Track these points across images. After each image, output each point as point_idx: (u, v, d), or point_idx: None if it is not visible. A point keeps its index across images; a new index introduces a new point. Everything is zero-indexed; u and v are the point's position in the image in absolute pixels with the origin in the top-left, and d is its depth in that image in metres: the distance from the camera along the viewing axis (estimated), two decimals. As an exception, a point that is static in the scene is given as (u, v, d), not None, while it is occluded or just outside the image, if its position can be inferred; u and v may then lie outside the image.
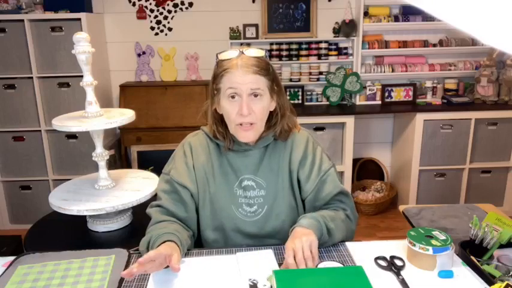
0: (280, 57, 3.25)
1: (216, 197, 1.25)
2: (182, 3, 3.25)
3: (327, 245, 1.18)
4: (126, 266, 1.11)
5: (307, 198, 1.27)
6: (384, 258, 1.11)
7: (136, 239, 1.20)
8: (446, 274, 1.03)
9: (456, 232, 1.37)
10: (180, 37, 3.30)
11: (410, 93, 3.31)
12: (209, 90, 1.26)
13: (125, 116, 1.69)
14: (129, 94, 3.12)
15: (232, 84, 1.15)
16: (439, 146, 3.08)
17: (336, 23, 3.26)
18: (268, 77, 1.19)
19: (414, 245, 1.06)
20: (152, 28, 3.29)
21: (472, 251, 1.11)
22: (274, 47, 3.24)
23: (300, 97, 3.34)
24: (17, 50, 2.92)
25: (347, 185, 3.15)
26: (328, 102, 3.32)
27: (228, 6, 3.25)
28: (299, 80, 3.32)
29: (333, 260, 1.11)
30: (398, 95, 3.32)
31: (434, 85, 3.32)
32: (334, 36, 3.27)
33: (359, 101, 3.33)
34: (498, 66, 3.18)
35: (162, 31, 3.30)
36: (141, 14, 3.25)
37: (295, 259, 1.03)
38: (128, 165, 3.07)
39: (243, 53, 1.17)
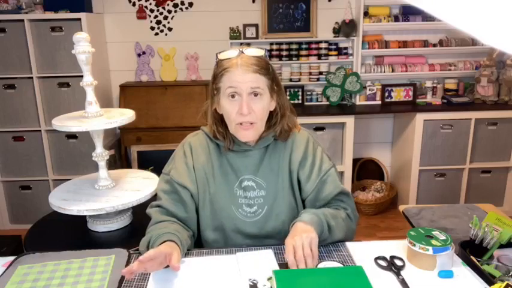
0: (280, 57, 3.25)
1: (216, 197, 1.25)
2: (182, 3, 3.25)
3: (327, 242, 1.18)
4: (126, 266, 1.10)
5: (307, 199, 1.27)
6: (383, 258, 1.11)
7: (137, 239, 1.21)
8: (446, 274, 1.03)
9: (456, 232, 1.37)
10: (180, 37, 3.31)
11: (410, 93, 3.31)
12: (209, 90, 1.26)
13: (124, 116, 1.69)
14: (129, 94, 3.13)
15: (232, 83, 1.15)
16: (439, 146, 3.08)
17: (336, 23, 3.26)
18: (268, 76, 1.19)
19: (414, 245, 1.06)
20: (152, 28, 3.29)
21: (472, 251, 1.11)
22: (274, 47, 3.24)
23: (300, 97, 3.34)
24: (17, 50, 2.92)
25: (347, 185, 3.15)
26: (328, 102, 3.32)
27: (228, 6, 3.25)
28: (299, 80, 3.32)
29: (333, 260, 1.11)
30: (398, 95, 3.32)
31: (434, 85, 3.32)
32: (334, 36, 3.27)
33: (359, 101, 3.33)
34: (498, 66, 3.18)
35: (162, 31, 3.30)
36: (141, 14, 3.25)
37: (295, 257, 1.04)
38: (128, 165, 3.07)
39: (242, 52, 1.17)
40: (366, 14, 3.18)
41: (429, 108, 3.13)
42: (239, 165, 1.26)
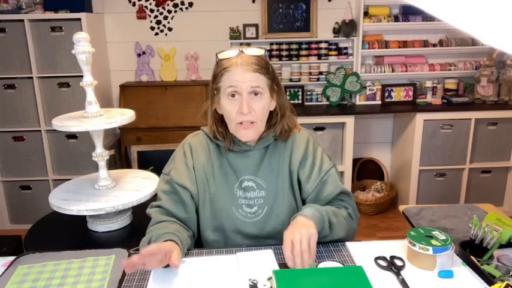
0: (280, 57, 3.25)
1: (216, 198, 1.25)
2: (182, 3, 3.25)
3: (327, 239, 1.17)
4: (126, 266, 1.11)
5: (307, 199, 1.26)
6: (383, 258, 1.11)
7: (137, 239, 1.21)
8: (446, 274, 1.03)
9: (456, 232, 1.37)
10: (180, 37, 3.31)
11: (410, 93, 3.31)
12: (209, 90, 1.26)
13: (125, 116, 1.69)
14: (129, 94, 3.13)
15: (232, 83, 1.15)
16: (439, 146, 3.08)
17: (336, 23, 3.26)
18: (268, 76, 1.19)
19: (414, 245, 1.06)
20: (152, 28, 3.29)
21: (472, 251, 1.11)
22: (274, 47, 3.24)
23: (300, 97, 3.34)
24: (17, 50, 2.92)
25: (347, 185, 3.15)
26: (328, 102, 3.32)
27: (228, 6, 3.25)
28: (299, 80, 3.32)
29: (333, 260, 1.11)
30: (398, 95, 3.32)
31: (434, 85, 3.32)
32: (334, 36, 3.27)
33: (359, 101, 3.33)
34: (498, 66, 3.17)
35: (162, 31, 3.30)
36: (141, 14, 3.25)
37: (292, 251, 1.03)
38: (128, 165, 3.07)
39: (242, 52, 1.17)
40: (366, 14, 3.18)
41: (429, 108, 3.13)
42: (239, 166, 1.26)
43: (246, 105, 1.14)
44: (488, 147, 3.12)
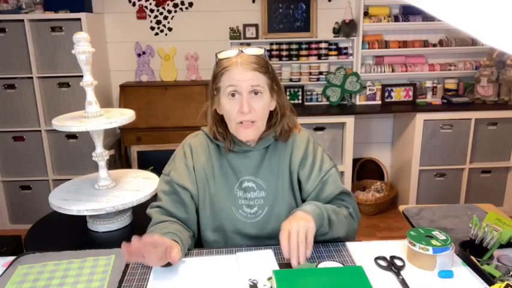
0: (280, 57, 3.25)
1: (216, 198, 1.25)
2: (182, 3, 3.25)
3: (327, 237, 1.17)
4: (126, 266, 1.11)
5: (308, 199, 1.26)
6: (383, 258, 1.11)
7: (137, 239, 1.20)
8: (446, 274, 1.03)
9: (456, 232, 1.37)
10: (180, 37, 3.31)
11: (410, 93, 3.31)
12: (209, 90, 1.26)
13: (125, 116, 1.69)
14: (129, 94, 3.13)
15: (232, 82, 1.15)
16: (439, 146, 3.08)
17: (336, 23, 3.26)
18: (267, 75, 1.19)
19: (414, 245, 1.06)
20: (152, 28, 3.29)
21: (472, 251, 1.11)
22: (274, 47, 3.24)
23: (300, 97, 3.34)
24: (17, 50, 2.92)
25: (347, 185, 3.15)
26: (328, 102, 3.32)
27: (228, 6, 3.26)
28: (299, 80, 3.32)
29: (333, 260, 1.11)
30: (398, 95, 3.32)
31: (434, 85, 3.32)
32: (334, 36, 3.27)
33: (359, 101, 3.33)
34: (498, 66, 3.18)
35: (162, 31, 3.30)
36: (141, 14, 3.25)
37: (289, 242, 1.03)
38: (128, 165, 3.07)
39: (242, 51, 1.18)
40: (366, 14, 3.18)
41: (429, 108, 3.13)
42: (239, 166, 1.26)
43: (247, 104, 1.14)
44: (488, 147, 3.12)
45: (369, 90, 3.33)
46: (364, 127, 3.49)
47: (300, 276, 0.98)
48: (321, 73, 3.30)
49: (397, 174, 3.46)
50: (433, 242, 1.06)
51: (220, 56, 1.19)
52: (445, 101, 3.24)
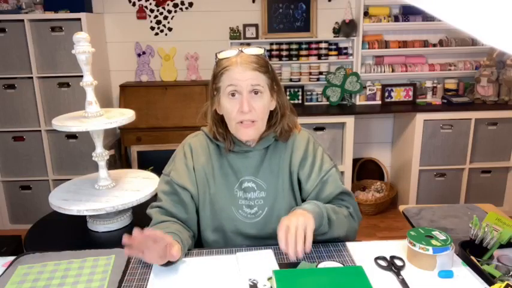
0: (280, 57, 3.25)
1: (216, 198, 1.25)
2: (182, 3, 3.25)
3: (326, 237, 1.16)
4: (126, 266, 1.11)
5: (307, 199, 1.26)
6: (383, 258, 1.11)
7: (136, 239, 1.20)
8: (446, 274, 1.03)
9: (456, 232, 1.37)
10: (180, 37, 3.31)
11: (410, 93, 3.31)
12: (209, 91, 1.26)
13: (125, 116, 1.69)
14: (129, 94, 3.13)
15: (232, 81, 1.15)
16: (439, 146, 3.08)
17: (336, 23, 3.26)
18: (267, 75, 1.19)
19: (414, 245, 1.06)
20: (152, 28, 3.29)
21: (472, 251, 1.11)
22: (274, 47, 3.24)
23: (300, 97, 3.34)
24: (17, 50, 2.92)
25: (347, 185, 3.15)
26: (328, 102, 3.32)
27: (228, 6, 3.26)
28: (299, 80, 3.32)
29: (333, 260, 1.11)
30: (398, 95, 3.32)
31: (434, 85, 3.32)
32: (334, 36, 3.27)
33: (359, 101, 3.33)
34: (498, 66, 3.17)
35: (162, 31, 3.30)
36: (141, 14, 3.25)
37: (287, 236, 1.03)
38: (128, 165, 3.07)
39: (242, 51, 1.18)
40: (366, 14, 3.18)
41: (429, 108, 3.13)
42: (239, 166, 1.26)
43: (247, 103, 1.14)
44: (488, 147, 3.12)
45: (369, 90, 3.33)
46: (364, 127, 3.49)
47: (300, 276, 0.98)
48: (321, 73, 3.30)
49: (397, 174, 3.46)
50: (433, 242, 1.06)
51: (220, 56, 1.19)
52: (445, 101, 3.24)
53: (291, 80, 3.32)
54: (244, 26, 3.22)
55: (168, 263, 1.06)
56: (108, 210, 1.60)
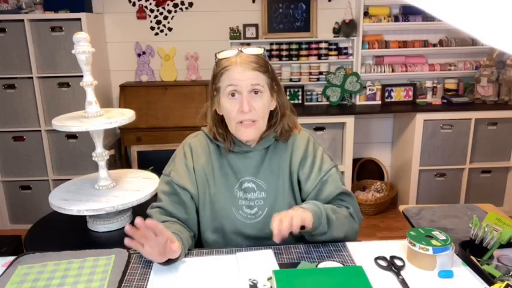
0: (280, 57, 3.25)
1: (216, 199, 1.25)
2: (182, 3, 3.25)
3: (326, 237, 1.16)
4: (126, 266, 1.11)
5: (307, 199, 1.26)
6: (384, 258, 1.11)
7: (136, 239, 1.20)
8: (446, 274, 1.03)
9: (456, 232, 1.37)
10: (180, 37, 3.31)
11: (410, 93, 3.31)
12: (209, 91, 1.26)
13: (125, 116, 1.69)
14: (129, 94, 3.13)
15: (231, 81, 1.15)
16: (439, 146, 3.08)
17: (336, 23, 3.26)
18: (267, 75, 1.19)
19: (414, 245, 1.06)
20: (152, 28, 3.29)
21: (472, 251, 1.11)
22: (274, 47, 3.24)
23: (300, 97, 3.34)
24: (17, 50, 2.92)
25: (347, 185, 3.15)
26: (328, 102, 3.32)
27: (228, 6, 3.26)
28: (299, 80, 3.32)
29: (333, 260, 1.11)
30: (398, 95, 3.32)
31: (434, 85, 3.32)
32: (334, 36, 3.27)
33: (359, 101, 3.33)
34: (498, 66, 3.18)
35: (162, 31, 3.30)
36: (141, 14, 3.25)
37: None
38: (128, 165, 3.07)
39: (241, 51, 1.18)
40: (366, 14, 3.18)
41: (429, 108, 3.13)
42: (239, 167, 1.25)
43: (247, 103, 1.14)
44: (488, 147, 3.12)
45: (369, 90, 3.33)
46: (364, 127, 3.49)
47: (300, 276, 0.98)
48: (321, 73, 3.30)
49: (397, 174, 3.46)
50: (433, 242, 1.06)
51: (220, 56, 1.19)
52: (445, 101, 3.24)
53: (291, 80, 3.32)
54: (244, 26, 3.22)
55: (169, 262, 1.06)
56: (108, 210, 1.60)
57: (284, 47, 3.24)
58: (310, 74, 3.31)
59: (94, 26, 3.04)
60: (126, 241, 0.98)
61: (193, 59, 3.31)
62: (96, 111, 1.70)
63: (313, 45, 3.24)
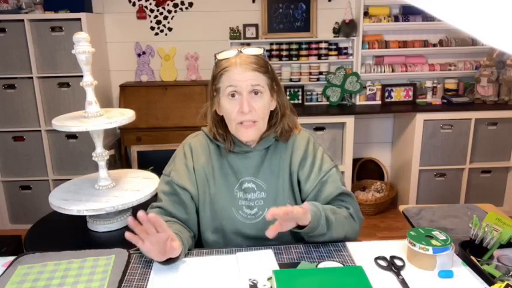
0: (280, 57, 3.25)
1: (216, 199, 1.25)
2: (182, 3, 3.25)
3: (326, 238, 1.16)
4: (126, 266, 1.11)
5: (307, 199, 1.26)
6: (383, 258, 1.11)
7: (137, 239, 1.20)
8: (446, 274, 1.03)
9: (456, 232, 1.37)
10: (180, 37, 3.31)
11: (410, 93, 3.31)
12: (208, 91, 1.26)
13: (125, 116, 1.69)
14: (129, 94, 3.13)
15: (231, 82, 1.15)
16: (439, 146, 3.08)
17: (336, 23, 3.26)
18: (267, 75, 1.18)
19: (414, 245, 1.06)
20: (152, 28, 3.29)
21: (472, 251, 1.11)
22: (274, 47, 3.24)
23: (300, 97, 3.34)
24: (17, 50, 2.92)
25: (347, 185, 3.14)
26: (328, 102, 3.32)
27: (228, 6, 3.26)
28: (299, 80, 3.32)
29: (333, 260, 1.11)
30: (398, 95, 3.32)
31: (434, 85, 3.32)
32: (334, 36, 3.27)
33: (359, 101, 3.33)
34: (498, 66, 3.18)
35: (162, 31, 3.30)
36: (141, 14, 3.25)
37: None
38: (128, 165, 3.07)
39: (241, 52, 1.17)
40: (366, 14, 3.18)
41: (429, 108, 3.13)
42: (239, 167, 1.25)
43: (247, 104, 1.14)
44: (488, 147, 3.12)
45: (369, 90, 3.33)
46: (364, 127, 3.49)
47: (300, 276, 0.98)
48: (321, 73, 3.30)
49: (397, 174, 3.46)
50: (433, 242, 1.06)
51: (219, 56, 1.19)
52: (445, 101, 3.24)
53: (291, 80, 3.32)
54: (244, 26, 3.22)
55: (169, 261, 1.06)
56: (108, 210, 1.60)
57: (284, 47, 3.24)
58: (310, 74, 3.31)
59: (94, 26, 3.04)
60: (127, 234, 0.98)
61: (193, 59, 3.31)
62: (96, 111, 1.70)
63: (313, 45, 3.24)
